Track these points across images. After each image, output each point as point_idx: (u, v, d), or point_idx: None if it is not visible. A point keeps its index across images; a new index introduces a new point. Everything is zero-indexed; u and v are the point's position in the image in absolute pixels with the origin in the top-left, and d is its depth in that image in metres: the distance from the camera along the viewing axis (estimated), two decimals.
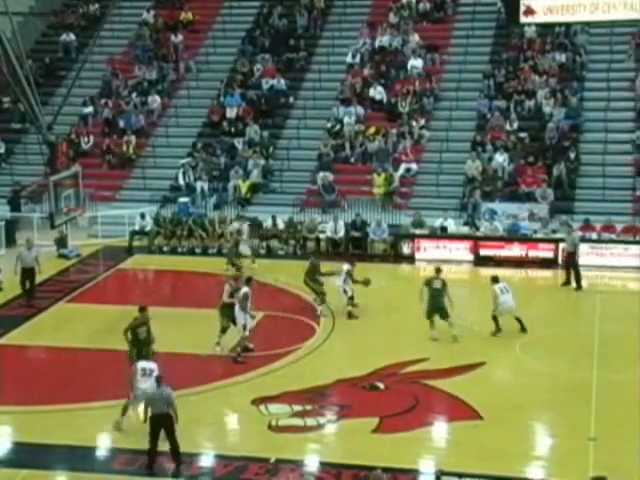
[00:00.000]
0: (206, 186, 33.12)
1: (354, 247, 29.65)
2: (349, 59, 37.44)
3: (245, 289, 20.93)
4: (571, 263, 26.28)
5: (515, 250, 28.44)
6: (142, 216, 30.87)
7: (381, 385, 19.41)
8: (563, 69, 35.54)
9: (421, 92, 35.37)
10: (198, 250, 30.03)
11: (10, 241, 30.28)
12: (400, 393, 19.10)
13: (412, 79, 35.87)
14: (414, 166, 33.18)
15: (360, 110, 35.05)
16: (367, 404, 18.60)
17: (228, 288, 21.31)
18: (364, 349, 21.56)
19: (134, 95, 37.44)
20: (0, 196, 33.76)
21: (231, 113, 35.89)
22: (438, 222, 29.81)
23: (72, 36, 40.29)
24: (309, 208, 31.87)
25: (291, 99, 36.86)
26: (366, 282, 23.80)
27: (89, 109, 37.09)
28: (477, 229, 29.80)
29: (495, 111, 34.22)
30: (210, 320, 21.57)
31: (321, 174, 32.75)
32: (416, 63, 36.39)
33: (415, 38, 37.34)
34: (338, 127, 34.67)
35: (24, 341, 22.59)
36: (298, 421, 17.79)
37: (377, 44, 37.70)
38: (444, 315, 21.79)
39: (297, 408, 18.23)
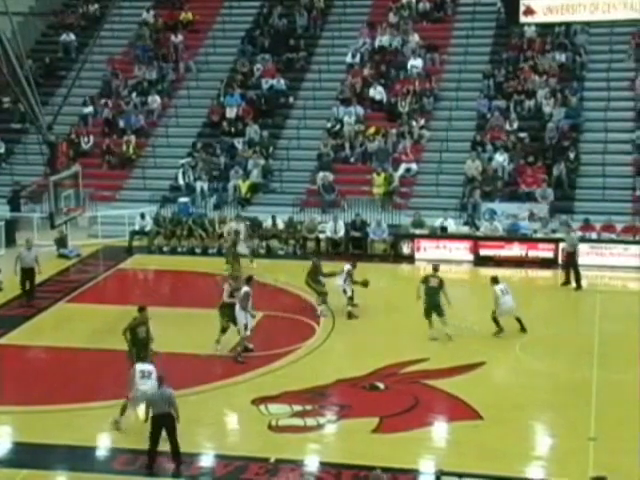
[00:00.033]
0: (206, 186, 33.12)
1: (354, 247, 29.65)
2: (349, 59, 37.44)
3: (246, 288, 20.94)
4: (570, 263, 26.29)
5: (515, 250, 28.44)
6: (142, 216, 30.88)
7: (381, 385, 19.41)
8: (563, 69, 35.53)
9: (421, 92, 35.37)
10: (198, 250, 30.03)
11: (10, 241, 30.29)
12: (400, 393, 19.10)
13: (412, 79, 35.87)
14: (414, 166, 33.18)
15: (360, 110, 35.05)
16: (367, 404, 18.60)
17: (228, 288, 21.32)
18: (364, 349, 21.57)
19: (134, 95, 37.45)
20: (0, 196, 33.77)
21: (231, 113, 35.88)
22: (438, 222, 29.81)
23: (72, 36, 40.29)
24: (309, 208, 31.86)
25: (291, 99, 36.85)
26: (365, 283, 23.80)
27: (89, 109, 37.09)
28: (477, 229, 29.80)
29: (495, 111, 34.21)
30: (210, 320, 21.57)
31: (321, 174, 32.75)
32: (416, 63, 36.39)
33: (415, 38, 37.34)
34: (338, 127, 34.67)
35: (24, 341, 22.58)
36: (298, 421, 17.79)
37: (377, 44, 37.69)
38: (439, 313, 21.83)
39: (297, 408, 18.24)
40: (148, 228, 30.77)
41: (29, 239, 25.92)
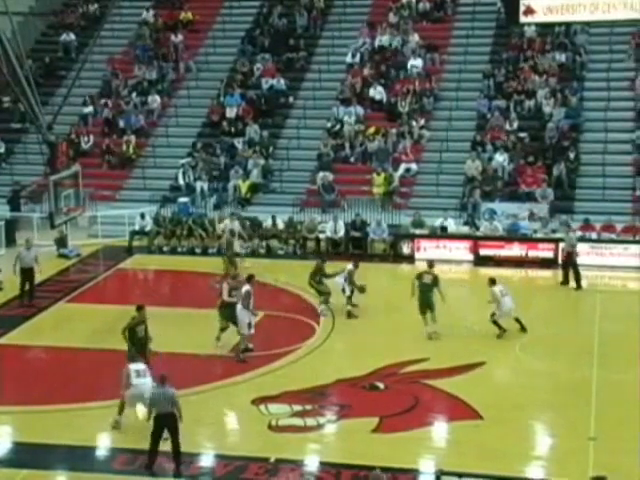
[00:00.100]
0: (206, 186, 33.12)
1: (354, 247, 29.65)
2: (349, 59, 37.44)
3: (247, 287, 20.95)
4: (569, 263, 26.28)
5: (515, 250, 28.44)
6: (142, 216, 30.88)
7: (381, 385, 19.41)
8: (563, 69, 35.53)
9: (421, 92, 35.37)
10: (198, 250, 30.03)
11: (10, 241, 30.29)
12: (400, 393, 19.10)
13: (412, 79, 35.86)
14: (414, 166, 33.17)
15: (360, 110, 35.05)
16: (367, 404, 18.60)
17: (227, 287, 21.31)
18: (364, 349, 21.56)
19: (134, 95, 37.45)
20: (0, 196, 33.77)
21: (231, 113, 35.88)
22: (438, 222, 29.81)
23: (72, 36, 40.30)
24: (309, 208, 31.86)
25: (291, 99, 36.85)
26: (362, 289, 23.80)
27: (89, 109, 37.10)
28: (477, 229, 29.80)
29: (495, 111, 34.21)
30: (210, 320, 21.57)
31: (321, 174, 32.75)
32: (416, 63, 36.39)
33: (415, 38, 37.34)
34: (338, 127, 34.67)
35: (24, 341, 22.58)
36: (298, 421, 17.79)
37: (377, 44, 37.70)
38: (431, 309, 21.90)
39: (297, 408, 18.24)
40: (148, 228, 30.77)
41: (29, 239, 25.92)
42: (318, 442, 17.22)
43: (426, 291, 21.98)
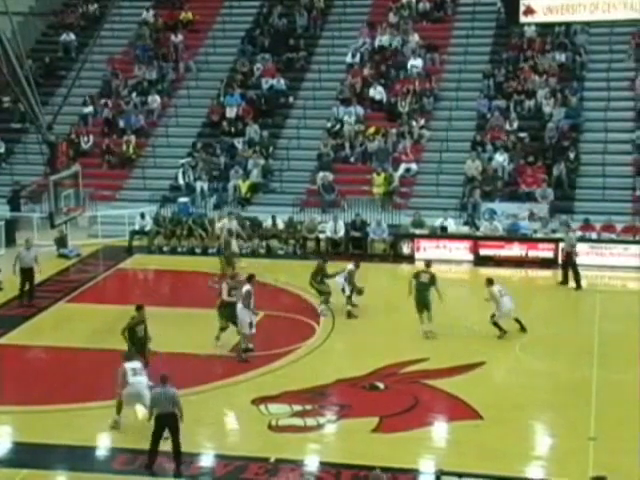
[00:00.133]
0: (206, 186, 33.12)
1: (354, 247, 29.64)
2: (349, 59, 37.44)
3: (248, 286, 20.96)
4: (569, 263, 26.28)
5: (515, 250, 28.44)
6: (142, 216, 30.88)
7: (381, 385, 19.41)
8: (563, 69, 35.53)
9: (421, 92, 35.37)
10: (198, 250, 30.03)
11: (10, 241, 30.29)
12: (400, 393, 19.10)
13: (412, 79, 35.86)
14: (414, 166, 33.18)
15: (360, 110, 35.05)
16: (367, 404, 18.60)
17: (226, 286, 21.31)
18: (364, 349, 21.56)
19: (134, 95, 37.45)
20: (0, 196, 33.77)
21: (231, 113, 35.88)
22: (438, 222, 29.81)
23: (72, 36, 40.30)
24: (309, 208, 31.86)
25: (291, 99, 36.86)
26: (360, 291, 23.81)
27: (89, 109, 37.10)
28: (477, 229, 29.80)
29: (495, 111, 34.21)
30: (210, 320, 21.57)
31: (321, 174, 32.75)
32: (416, 63, 36.39)
33: (415, 38, 37.34)
34: (338, 127, 34.67)
35: (24, 341, 22.58)
36: (298, 421, 17.79)
37: (377, 44, 37.70)
38: (427, 308, 21.94)
39: (297, 408, 18.24)
40: (148, 228, 30.77)
41: (28, 239, 25.91)
42: (318, 442, 17.22)
43: (423, 290, 22.02)
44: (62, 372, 20.52)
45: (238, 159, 34.22)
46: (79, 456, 16.65)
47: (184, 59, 39.02)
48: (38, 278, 25.45)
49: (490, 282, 22.07)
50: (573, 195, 31.59)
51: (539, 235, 29.12)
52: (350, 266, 23.79)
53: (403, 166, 33.00)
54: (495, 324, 21.79)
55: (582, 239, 27.79)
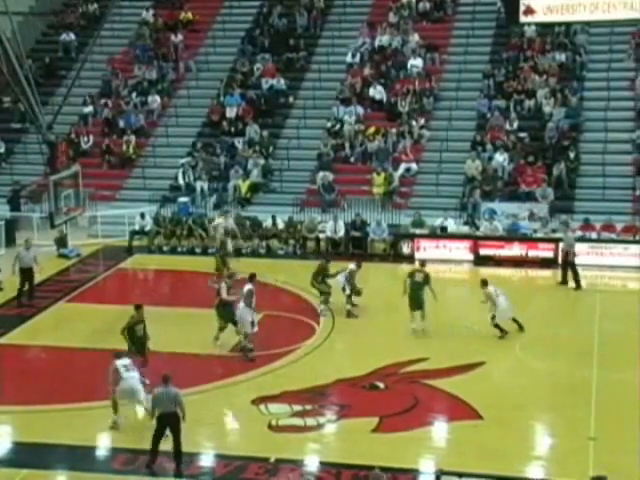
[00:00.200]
0: (206, 186, 33.12)
1: (354, 247, 29.63)
2: (349, 59, 37.43)
3: (249, 286, 20.98)
4: (568, 263, 26.27)
5: (515, 250, 28.43)
6: (142, 216, 30.88)
7: (381, 385, 19.42)
8: (563, 69, 35.53)
9: (421, 92, 35.37)
10: (198, 250, 30.02)
11: (10, 241, 30.29)
12: (400, 393, 19.10)
13: (412, 79, 35.86)
14: (414, 166, 33.17)
15: (360, 110, 35.05)
16: (367, 404, 18.60)
17: (225, 286, 21.30)
18: (364, 349, 21.56)
19: (134, 95, 37.45)
20: (0, 196, 33.77)
21: (231, 113, 35.88)
22: (438, 222, 29.81)
23: (72, 36, 40.30)
24: (309, 208, 31.86)
25: (291, 99, 36.85)
26: (358, 292, 23.82)
27: (89, 109, 37.09)
28: (477, 229, 29.79)
29: (495, 111, 34.21)
30: (210, 320, 21.56)
31: (321, 174, 32.75)
32: (416, 63, 36.38)
33: (415, 38, 37.33)
34: (338, 127, 34.67)
35: (24, 341, 22.59)
36: (298, 421, 17.80)
37: (377, 44, 37.69)
38: (421, 307, 22.01)
39: (297, 408, 18.24)
40: (148, 228, 30.77)
41: (28, 239, 25.90)
42: (318, 442, 17.22)
43: (417, 289, 22.09)
44: (62, 372, 20.53)
45: (238, 159, 34.22)
46: (79, 456, 16.67)
47: (184, 59, 39.03)
48: (38, 278, 25.46)
49: (485, 283, 22.09)
50: (573, 195, 31.59)
51: (539, 235, 29.11)
52: (352, 266, 23.81)
53: (403, 166, 33.00)
54: (496, 326, 21.78)
55: (582, 239, 27.80)
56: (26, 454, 16.79)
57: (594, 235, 28.74)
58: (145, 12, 41.05)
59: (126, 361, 17.38)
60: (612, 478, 13.57)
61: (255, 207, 32.62)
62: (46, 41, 41.71)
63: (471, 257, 28.60)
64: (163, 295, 26.62)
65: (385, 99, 35.58)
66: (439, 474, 14.66)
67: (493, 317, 21.79)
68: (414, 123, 34.29)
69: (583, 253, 27.13)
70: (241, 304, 20.76)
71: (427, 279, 22.21)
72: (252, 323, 20.77)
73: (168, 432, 15.95)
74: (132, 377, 17.11)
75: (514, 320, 21.98)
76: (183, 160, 34.15)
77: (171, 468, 15.97)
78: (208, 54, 39.45)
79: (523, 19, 15.79)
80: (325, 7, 40.05)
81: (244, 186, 32.91)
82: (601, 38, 36.42)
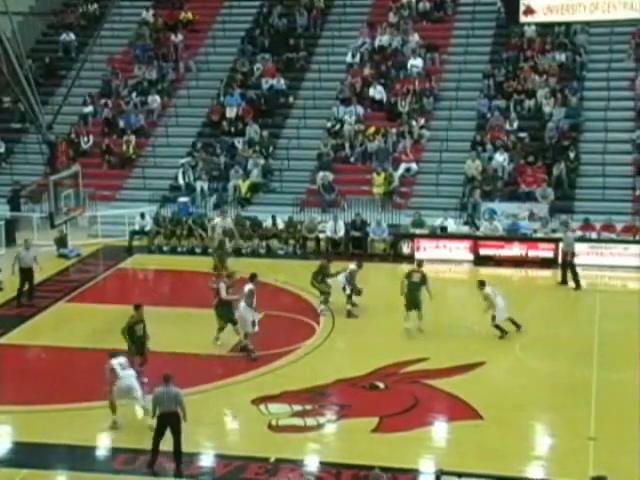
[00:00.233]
0: (206, 186, 33.12)
1: (354, 247, 29.62)
2: (349, 59, 37.44)
3: (250, 286, 20.98)
4: (567, 263, 26.26)
5: (515, 250, 28.43)
6: (142, 216, 30.88)
7: (381, 385, 19.42)
8: (563, 69, 35.53)
9: (421, 92, 35.37)
10: (198, 250, 30.01)
11: (10, 241, 30.29)
12: (400, 393, 19.10)
13: (412, 79, 35.87)
14: (414, 166, 33.17)
15: (360, 110, 35.05)
16: (367, 404, 18.60)
17: (224, 285, 21.30)
18: (364, 349, 21.56)
19: (134, 95, 37.45)
20: (0, 196, 33.77)
21: (231, 113, 35.89)
22: (438, 222, 29.81)
23: (72, 36, 40.31)
24: (309, 208, 31.86)
25: (291, 99, 36.85)
26: (358, 292, 23.83)
27: (89, 109, 37.10)
28: (477, 229, 29.79)
29: (495, 111, 34.21)
30: (210, 320, 21.56)
31: (321, 174, 32.75)
32: (416, 63, 36.39)
33: (415, 38, 37.34)
34: (338, 127, 34.67)
35: (24, 341, 22.59)
36: (298, 421, 17.79)
37: (377, 44, 37.70)
38: (418, 307, 22.04)
39: (297, 408, 18.24)
40: (148, 228, 30.77)
41: (28, 239, 25.92)
42: (318, 442, 17.22)
43: (414, 289, 22.14)
44: (62, 372, 20.53)
45: (238, 159, 34.22)
46: (79, 456, 16.67)
47: (184, 59, 39.03)
48: (38, 278, 25.46)
49: (482, 284, 22.10)
50: (573, 195, 31.59)
51: (539, 235, 29.11)
52: (352, 266, 23.81)
53: (403, 166, 33.00)
54: (497, 327, 21.78)
55: (582, 239, 27.80)
56: (26, 454, 16.79)
57: (594, 235, 28.74)
58: (145, 12, 41.06)
59: (121, 359, 17.42)
60: (612, 478, 13.57)
61: (255, 207, 32.62)
62: (46, 41, 41.72)
63: (471, 257, 28.59)
64: (163, 295, 26.62)
65: (385, 99, 35.59)
66: (439, 474, 14.65)
67: (493, 317, 21.79)
68: (414, 123, 34.29)
69: (583, 253, 27.14)
70: (242, 304, 20.77)
71: (424, 279, 22.25)
72: (253, 323, 20.78)
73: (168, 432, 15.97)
74: (128, 375, 17.17)
75: (510, 320, 21.97)
76: (183, 160, 34.15)
77: (171, 468, 15.97)
78: (208, 54, 39.46)
79: (523, 19, 15.80)
80: (325, 7, 40.06)
81: (244, 186, 32.91)
82: (601, 38, 36.43)
